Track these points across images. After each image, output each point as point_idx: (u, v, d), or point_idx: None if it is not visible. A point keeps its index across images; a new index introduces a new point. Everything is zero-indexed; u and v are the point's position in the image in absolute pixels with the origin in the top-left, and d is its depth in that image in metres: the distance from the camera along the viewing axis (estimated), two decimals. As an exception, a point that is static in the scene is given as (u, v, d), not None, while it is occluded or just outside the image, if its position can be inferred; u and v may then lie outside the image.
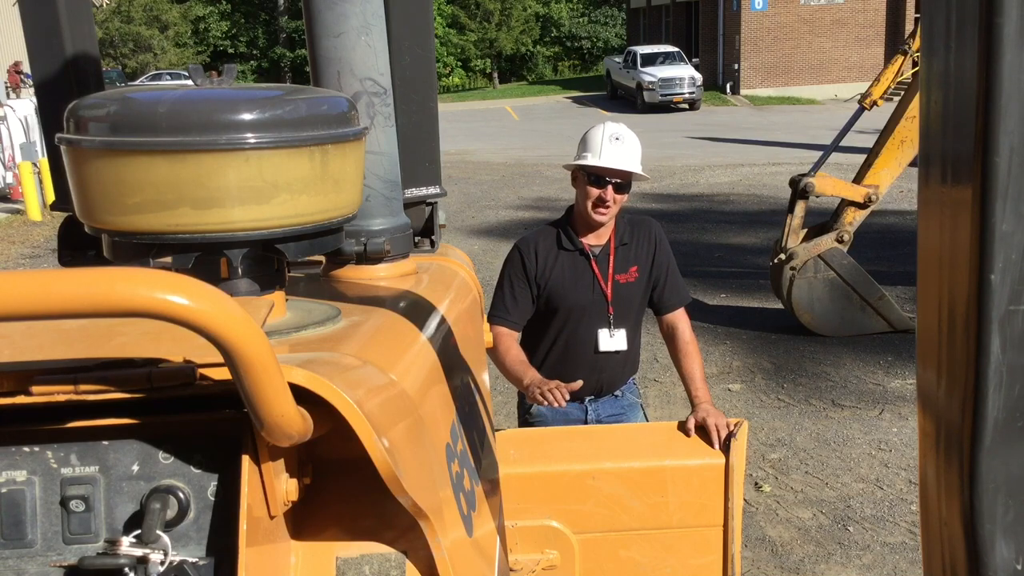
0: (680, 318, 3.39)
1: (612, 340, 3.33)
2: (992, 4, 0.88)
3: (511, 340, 3.29)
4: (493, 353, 3.19)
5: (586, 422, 3.42)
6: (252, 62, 49.63)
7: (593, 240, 3.33)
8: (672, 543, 2.76)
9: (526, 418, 3.50)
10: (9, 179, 15.53)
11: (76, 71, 2.01)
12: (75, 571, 1.08)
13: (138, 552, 1.04)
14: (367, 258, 1.87)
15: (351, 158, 1.45)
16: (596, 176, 3.21)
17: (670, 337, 3.39)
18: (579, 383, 3.01)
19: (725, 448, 2.80)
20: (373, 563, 1.24)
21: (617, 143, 3.22)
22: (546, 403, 2.96)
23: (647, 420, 3.60)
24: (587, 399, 3.41)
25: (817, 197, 7.46)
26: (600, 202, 3.21)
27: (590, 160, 3.22)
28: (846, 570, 4.40)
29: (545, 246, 3.33)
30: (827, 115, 25.10)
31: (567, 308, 3.31)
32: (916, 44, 7.28)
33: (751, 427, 5.82)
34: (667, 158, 18.32)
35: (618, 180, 3.21)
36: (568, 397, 2.97)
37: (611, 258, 3.32)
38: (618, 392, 3.47)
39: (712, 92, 31.89)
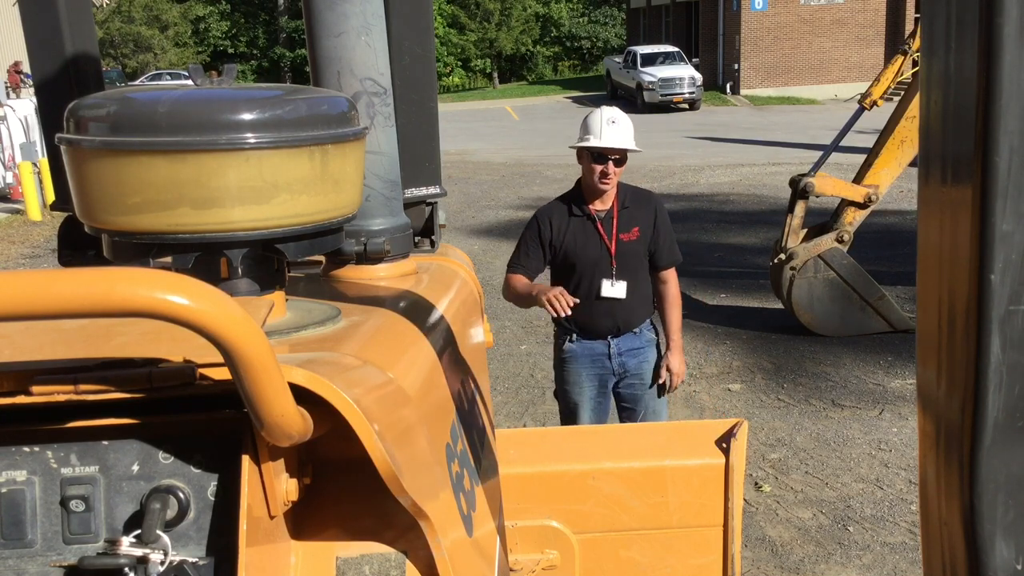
0: (671, 275, 4.17)
1: (613, 289, 3.99)
2: (992, 4, 0.88)
3: (518, 276, 4.03)
4: (505, 289, 4.07)
5: (609, 356, 4.08)
6: (252, 62, 49.62)
7: (599, 205, 4.01)
8: (672, 543, 2.76)
9: (560, 355, 4.16)
10: (9, 179, 15.53)
11: (76, 71, 2.00)
12: (75, 571, 1.08)
13: (138, 552, 1.04)
14: (367, 258, 1.87)
15: (351, 158, 1.45)
16: (598, 154, 3.88)
17: (661, 290, 4.17)
18: (576, 300, 3.69)
19: (724, 448, 2.80)
20: (373, 563, 1.24)
21: (614, 125, 3.89)
22: (552, 310, 3.66)
23: (660, 357, 4.21)
24: (609, 337, 4.07)
25: (817, 197, 7.46)
26: (603, 175, 3.89)
27: (592, 142, 3.88)
28: (846, 570, 4.41)
29: (559, 215, 4.02)
30: (827, 115, 25.10)
31: (580, 264, 4.00)
32: (916, 44, 7.28)
33: (751, 427, 5.82)
34: (667, 158, 18.32)
35: (616, 156, 3.88)
36: (572, 305, 3.63)
37: (615, 220, 3.99)
38: (636, 330, 4.11)
39: (712, 92, 31.88)
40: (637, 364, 4.13)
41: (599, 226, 3.97)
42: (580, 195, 4.02)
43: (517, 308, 9.27)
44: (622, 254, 3.97)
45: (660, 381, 4.22)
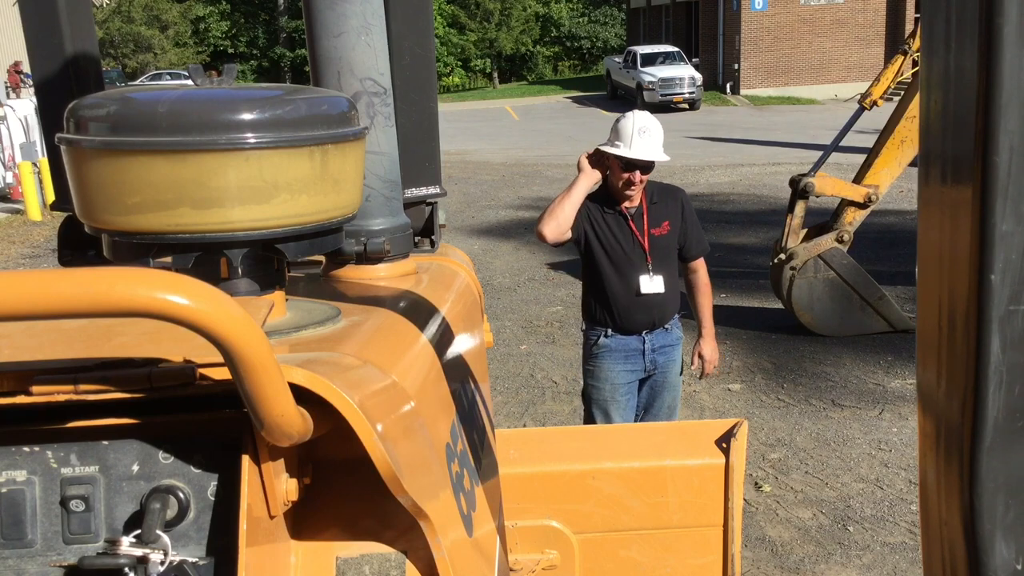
0: (701, 265, 4.26)
1: (652, 283, 4.05)
2: (992, 4, 0.88)
3: None
4: (541, 223, 4.01)
5: (643, 352, 4.13)
6: (252, 62, 49.61)
7: (628, 204, 4.06)
8: (672, 543, 2.76)
9: (592, 351, 4.18)
10: (9, 179, 15.53)
11: (76, 71, 2.00)
12: (75, 571, 1.08)
13: (138, 552, 1.04)
14: (367, 258, 1.87)
15: (351, 158, 1.45)
16: (627, 163, 3.90)
17: (691, 280, 4.28)
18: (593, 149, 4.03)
19: (724, 448, 2.80)
20: (373, 563, 1.24)
21: (645, 135, 3.89)
22: (592, 154, 3.98)
23: (681, 362, 4.31)
24: (644, 332, 4.12)
25: (817, 197, 7.45)
26: (629, 183, 3.94)
27: (622, 151, 3.90)
28: (846, 570, 4.40)
29: (595, 210, 4.06)
30: (827, 115, 25.10)
31: (616, 260, 4.06)
32: (916, 44, 7.28)
33: (751, 427, 5.82)
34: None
35: (645, 165, 3.92)
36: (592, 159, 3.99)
37: (645, 216, 4.05)
38: (668, 326, 4.17)
39: (712, 92, 31.88)
40: (664, 362, 4.19)
41: (631, 223, 4.05)
42: (608, 194, 4.07)
43: (517, 308, 9.24)
44: (655, 249, 4.05)
45: (693, 368, 4.40)
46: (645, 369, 4.17)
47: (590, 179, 4.00)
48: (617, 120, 4.03)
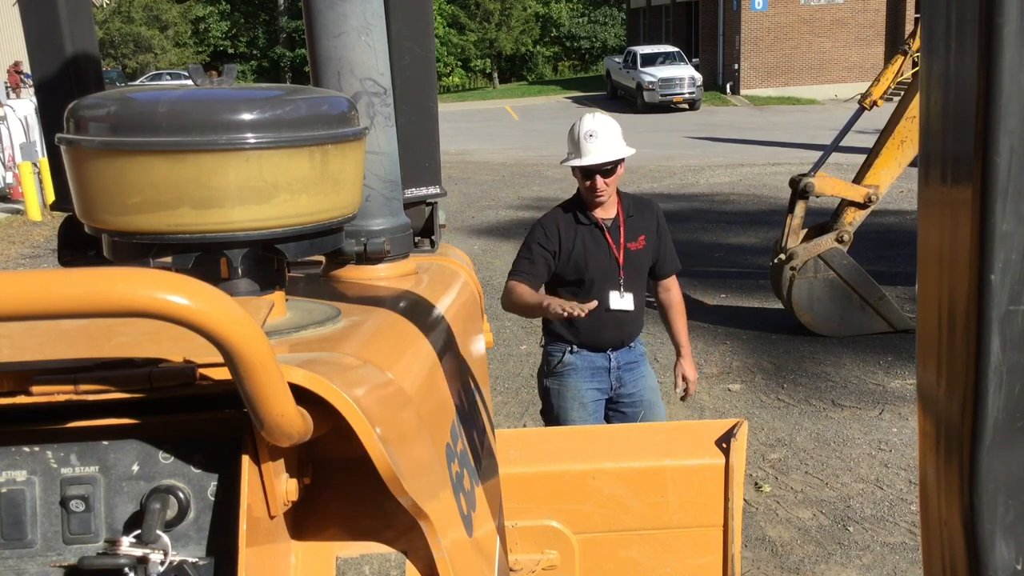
0: (674, 283, 4.11)
1: (622, 300, 3.86)
2: (992, 4, 0.88)
3: (523, 286, 3.79)
4: (506, 298, 3.83)
5: (609, 370, 3.95)
6: (252, 62, 49.63)
7: (602, 214, 3.86)
8: (672, 543, 2.76)
9: (554, 368, 3.97)
10: (9, 179, 15.53)
11: (76, 71, 2.01)
12: (75, 571, 1.08)
13: (138, 552, 1.04)
14: (367, 258, 1.87)
15: (351, 158, 1.45)
16: (584, 170, 3.76)
17: (665, 299, 4.12)
18: (595, 303, 3.51)
19: (724, 448, 2.80)
20: (373, 563, 1.24)
21: (593, 139, 3.73)
22: (565, 314, 3.43)
23: (651, 370, 4.16)
24: (609, 350, 3.93)
25: (817, 197, 7.45)
26: (593, 189, 3.76)
27: (574, 160, 3.78)
28: (846, 570, 4.40)
29: (565, 223, 3.85)
30: (827, 115, 25.10)
31: (589, 274, 3.84)
32: (916, 44, 7.28)
33: (751, 427, 5.82)
34: (667, 158, 18.31)
35: (605, 168, 3.74)
36: (587, 311, 3.43)
37: (622, 229, 3.86)
38: (632, 344, 4.00)
39: (712, 92, 31.88)
40: (633, 379, 4.00)
41: (607, 235, 3.84)
42: (583, 203, 3.87)
43: (517, 308, 9.19)
44: (629, 264, 3.86)
45: (677, 390, 4.20)
46: (611, 387, 3.98)
47: (557, 312, 3.50)
48: (570, 128, 3.86)
